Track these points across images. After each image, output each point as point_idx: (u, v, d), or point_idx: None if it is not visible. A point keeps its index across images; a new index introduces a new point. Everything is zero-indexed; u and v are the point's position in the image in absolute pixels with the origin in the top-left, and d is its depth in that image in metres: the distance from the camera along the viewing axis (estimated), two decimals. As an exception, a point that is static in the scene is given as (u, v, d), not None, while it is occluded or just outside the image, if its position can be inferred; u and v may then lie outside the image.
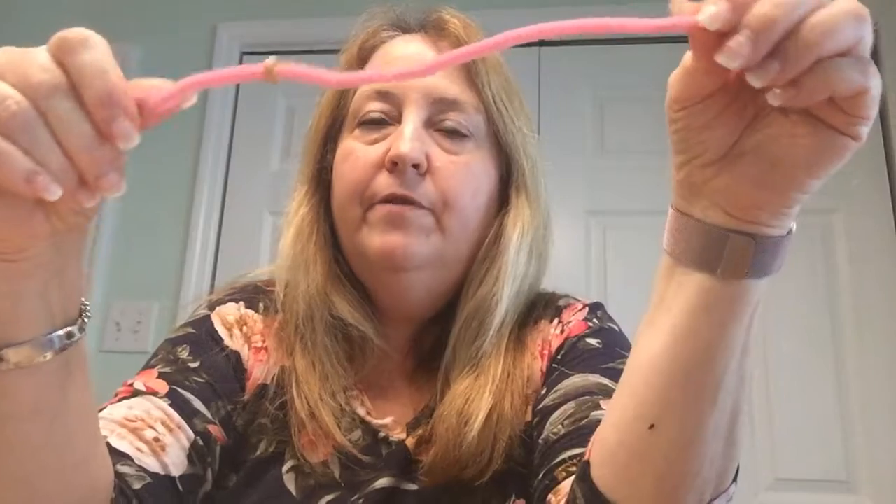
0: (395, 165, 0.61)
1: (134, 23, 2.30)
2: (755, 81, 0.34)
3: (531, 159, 0.69)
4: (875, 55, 1.96)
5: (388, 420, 0.64)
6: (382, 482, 0.60)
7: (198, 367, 0.61)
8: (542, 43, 2.08)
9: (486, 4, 2.04)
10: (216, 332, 0.66)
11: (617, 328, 0.70)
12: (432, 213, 0.62)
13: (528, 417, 0.63)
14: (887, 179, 1.85)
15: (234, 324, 0.67)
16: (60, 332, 0.40)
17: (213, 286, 1.99)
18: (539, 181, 0.70)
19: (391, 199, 0.61)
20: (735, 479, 0.46)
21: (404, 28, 0.70)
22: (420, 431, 0.63)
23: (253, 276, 0.74)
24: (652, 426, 0.42)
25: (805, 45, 0.33)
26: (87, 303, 0.43)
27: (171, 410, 0.56)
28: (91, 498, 0.46)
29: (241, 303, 0.69)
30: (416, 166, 0.61)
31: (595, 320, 0.68)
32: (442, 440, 0.59)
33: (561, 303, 0.73)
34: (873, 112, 0.36)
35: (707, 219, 0.40)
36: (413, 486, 0.61)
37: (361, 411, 0.64)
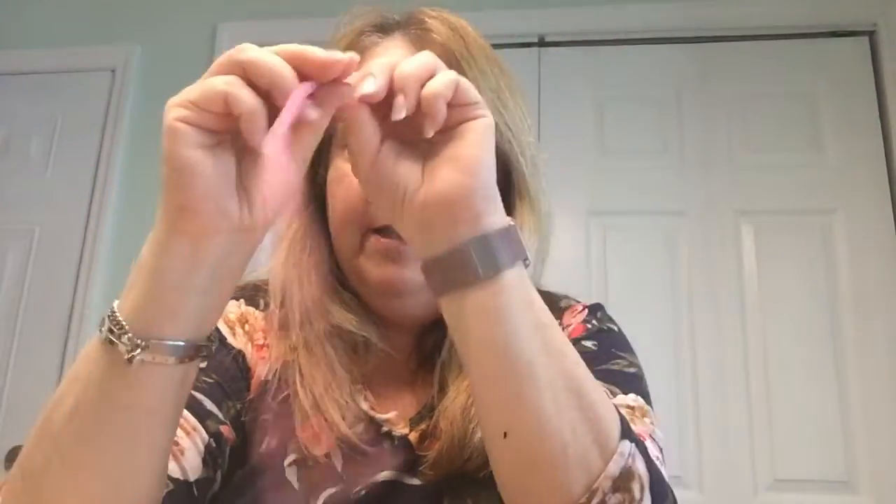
0: None
1: (134, 23, 2.30)
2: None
3: (530, 162, 0.68)
4: (875, 55, 1.97)
5: (391, 415, 0.64)
6: (384, 475, 0.60)
7: (206, 367, 0.61)
8: (542, 43, 2.08)
9: (490, 5, 2.04)
10: (219, 331, 0.65)
11: (616, 328, 0.69)
12: None
13: None
14: (887, 179, 1.85)
15: (235, 322, 0.67)
16: (202, 343, 0.45)
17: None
18: (540, 183, 0.69)
19: (386, 231, 0.62)
20: (626, 437, 0.46)
21: (387, 30, 0.69)
22: (423, 426, 0.63)
23: (252, 276, 0.73)
24: (505, 434, 0.45)
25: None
26: (215, 332, 0.47)
27: (186, 413, 0.56)
28: (157, 500, 0.48)
29: (241, 300, 0.69)
30: None
31: (594, 321, 0.68)
32: (447, 435, 0.59)
33: (562, 304, 0.72)
34: (477, 96, 0.46)
35: (446, 244, 0.46)
36: (415, 481, 0.61)
37: (365, 406, 0.64)
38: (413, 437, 0.63)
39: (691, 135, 1.96)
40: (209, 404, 0.59)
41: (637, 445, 0.46)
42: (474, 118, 0.46)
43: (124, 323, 0.42)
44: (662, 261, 1.88)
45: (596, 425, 0.45)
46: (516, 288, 0.45)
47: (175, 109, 0.40)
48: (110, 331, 0.42)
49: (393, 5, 0.70)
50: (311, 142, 0.45)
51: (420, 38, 0.66)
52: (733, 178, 1.91)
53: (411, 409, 0.65)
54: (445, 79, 0.44)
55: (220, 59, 0.41)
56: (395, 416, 0.64)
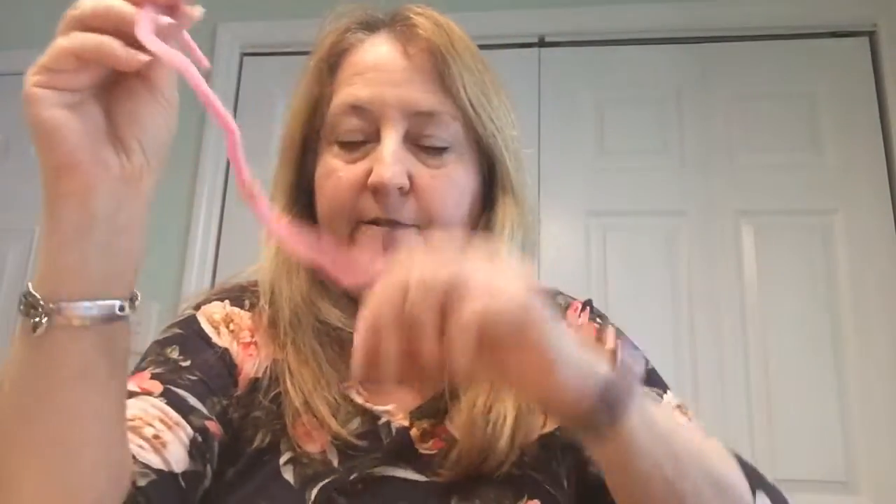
0: (377, 191, 0.62)
1: (134, 23, 2.30)
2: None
3: (514, 156, 0.69)
4: (875, 55, 1.97)
5: (389, 406, 0.64)
6: (381, 469, 0.60)
7: (189, 365, 0.61)
8: (542, 43, 2.08)
9: (490, 5, 2.04)
10: (203, 330, 0.65)
11: (613, 324, 0.73)
12: (418, 229, 0.63)
13: (541, 429, 0.64)
14: (887, 179, 1.85)
15: (220, 321, 0.67)
16: (119, 302, 0.44)
17: (213, 286, 1.99)
18: (523, 177, 0.70)
19: (377, 222, 0.62)
20: (754, 486, 0.54)
21: (372, 27, 0.69)
22: (425, 424, 0.63)
23: (246, 274, 0.74)
24: None
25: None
26: (136, 292, 0.46)
27: (167, 408, 0.56)
28: (119, 479, 0.48)
29: (226, 301, 0.69)
30: (399, 188, 0.62)
31: (598, 319, 0.71)
32: (468, 440, 0.60)
33: (560, 301, 0.73)
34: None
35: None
36: (417, 476, 0.61)
37: (359, 399, 0.64)
38: (415, 432, 0.63)
39: (691, 135, 1.96)
40: (192, 400, 0.58)
41: (762, 486, 0.56)
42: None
43: (34, 292, 0.42)
44: (662, 261, 1.88)
45: (734, 502, 0.52)
46: (636, 436, 0.47)
47: (31, 77, 0.42)
48: (23, 302, 0.43)
49: (385, 4, 0.71)
50: (169, 75, 0.45)
51: (405, 34, 0.67)
52: (733, 178, 1.91)
53: (411, 402, 0.65)
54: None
55: (61, 23, 0.42)
56: (394, 407, 0.64)
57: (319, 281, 0.66)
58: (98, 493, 0.46)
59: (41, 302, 0.42)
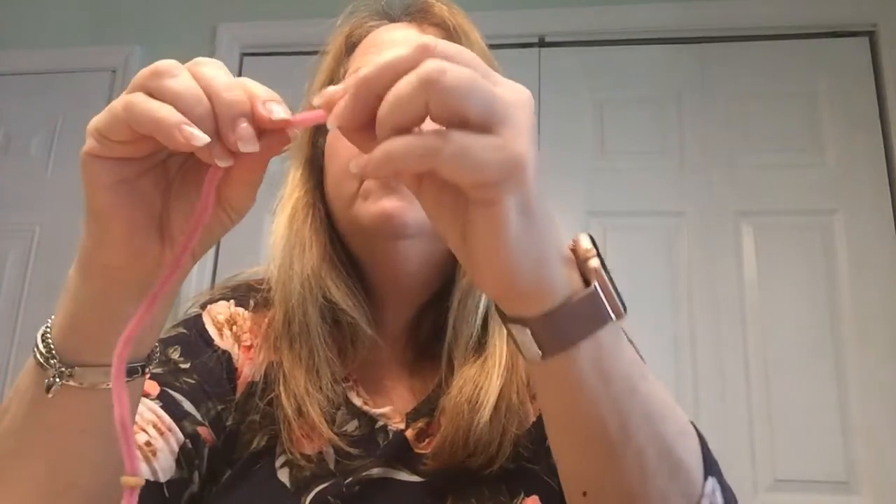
0: None
1: (134, 23, 2.30)
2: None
3: None
4: (875, 55, 1.97)
5: (386, 409, 0.64)
6: (377, 471, 0.60)
7: (189, 368, 0.61)
8: (542, 43, 2.08)
9: (490, 5, 2.04)
10: (206, 332, 0.66)
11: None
12: None
13: (534, 417, 0.64)
14: (887, 179, 1.85)
15: (224, 323, 0.67)
16: (136, 364, 0.43)
17: (213, 287, 1.99)
18: None
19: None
20: (709, 472, 0.46)
21: (390, 17, 0.71)
22: (420, 424, 0.63)
23: (247, 275, 0.74)
24: (584, 493, 0.44)
25: (377, 122, 0.34)
26: (157, 347, 0.46)
27: (162, 413, 0.56)
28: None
29: (232, 301, 0.69)
30: None
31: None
32: (451, 426, 0.59)
33: None
34: (479, 174, 0.34)
35: (499, 308, 0.41)
36: (413, 478, 0.61)
37: (358, 401, 0.64)
38: (410, 433, 0.63)
39: (691, 135, 1.96)
40: (187, 405, 0.59)
41: (717, 476, 0.46)
42: (481, 203, 0.35)
43: (52, 347, 0.41)
44: (662, 261, 1.88)
45: (683, 482, 0.44)
46: (581, 367, 0.39)
47: (88, 137, 0.37)
48: (41, 353, 0.42)
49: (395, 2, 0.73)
50: (246, 192, 0.40)
51: (420, 17, 0.69)
52: (733, 178, 1.91)
53: (408, 403, 0.65)
54: (420, 144, 0.33)
55: (146, 72, 0.37)
56: (391, 410, 0.64)
57: (329, 255, 0.66)
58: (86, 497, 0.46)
59: (57, 362, 0.41)
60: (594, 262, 0.40)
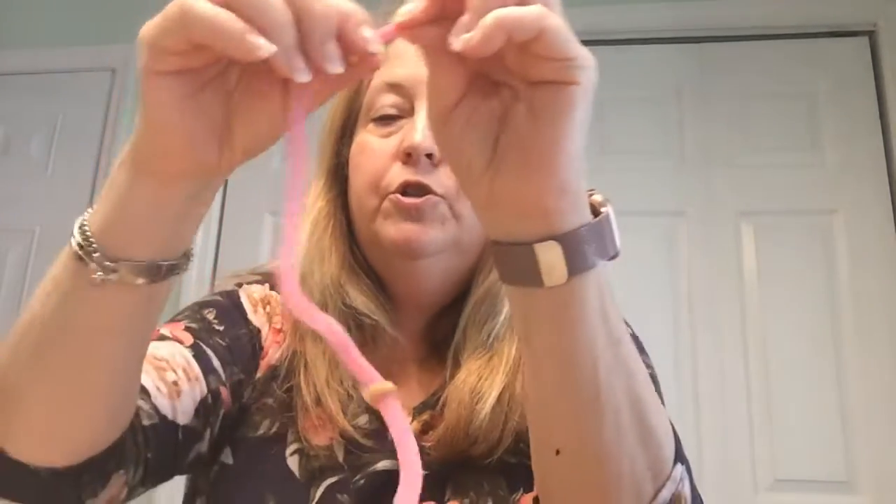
0: (408, 156, 0.62)
1: (134, 23, 2.29)
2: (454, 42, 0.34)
3: None
4: (875, 55, 1.97)
5: None
6: (383, 464, 0.61)
7: (222, 330, 0.63)
8: (542, 43, 2.08)
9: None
10: (242, 306, 0.67)
11: (630, 329, 0.72)
12: (446, 201, 0.63)
13: None
14: (887, 179, 1.85)
15: (258, 301, 0.69)
16: (170, 262, 0.42)
17: (213, 287, 1.99)
18: None
19: (406, 187, 0.62)
20: (679, 461, 0.46)
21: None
22: (425, 417, 0.64)
23: (276, 265, 0.75)
24: (558, 451, 0.44)
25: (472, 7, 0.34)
26: (192, 247, 0.44)
27: (192, 361, 0.57)
28: (127, 417, 0.48)
29: (266, 284, 0.71)
30: (429, 156, 0.62)
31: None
32: (453, 415, 0.60)
33: None
34: (572, 50, 0.36)
35: (510, 237, 0.40)
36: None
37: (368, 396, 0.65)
38: (415, 426, 0.63)
39: (691, 135, 1.96)
40: (216, 362, 0.60)
41: (686, 467, 0.46)
42: (562, 82, 0.36)
43: (94, 241, 0.40)
44: (662, 261, 1.88)
45: (654, 453, 0.44)
46: (590, 297, 0.39)
47: (143, 51, 0.35)
48: (80, 246, 0.40)
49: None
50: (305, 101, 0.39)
51: None
52: (733, 178, 1.91)
53: (416, 398, 0.66)
54: (529, 11, 0.34)
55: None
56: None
57: (350, 264, 0.67)
58: (102, 419, 0.46)
59: (99, 255, 0.40)
60: (598, 196, 0.42)
